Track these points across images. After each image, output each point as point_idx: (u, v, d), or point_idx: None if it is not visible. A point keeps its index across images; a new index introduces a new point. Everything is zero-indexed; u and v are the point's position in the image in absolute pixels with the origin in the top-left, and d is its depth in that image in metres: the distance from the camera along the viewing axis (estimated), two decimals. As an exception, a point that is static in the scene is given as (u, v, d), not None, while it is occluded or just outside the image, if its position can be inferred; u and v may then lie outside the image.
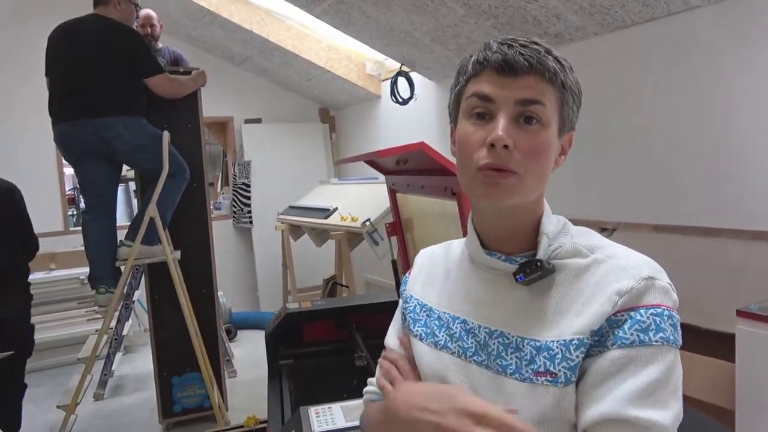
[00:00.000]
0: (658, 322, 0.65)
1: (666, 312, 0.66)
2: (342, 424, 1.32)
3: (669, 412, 0.63)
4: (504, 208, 0.73)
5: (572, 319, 0.69)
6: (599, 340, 0.67)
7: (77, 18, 2.71)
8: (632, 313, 0.66)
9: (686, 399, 0.67)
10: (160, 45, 3.86)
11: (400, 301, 0.94)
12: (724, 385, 2.03)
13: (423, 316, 0.85)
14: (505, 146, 0.68)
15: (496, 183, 0.69)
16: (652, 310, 0.66)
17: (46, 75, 2.76)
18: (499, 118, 0.69)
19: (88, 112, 2.62)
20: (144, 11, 3.65)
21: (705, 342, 2.22)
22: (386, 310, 1.12)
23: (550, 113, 0.70)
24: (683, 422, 0.65)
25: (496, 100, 0.70)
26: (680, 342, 0.67)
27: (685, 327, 0.68)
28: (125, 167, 2.98)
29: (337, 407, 1.40)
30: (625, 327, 0.66)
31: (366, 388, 0.92)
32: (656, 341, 0.65)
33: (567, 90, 0.72)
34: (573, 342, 0.67)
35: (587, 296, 0.69)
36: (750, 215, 2.23)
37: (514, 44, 0.70)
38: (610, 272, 0.69)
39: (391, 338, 0.93)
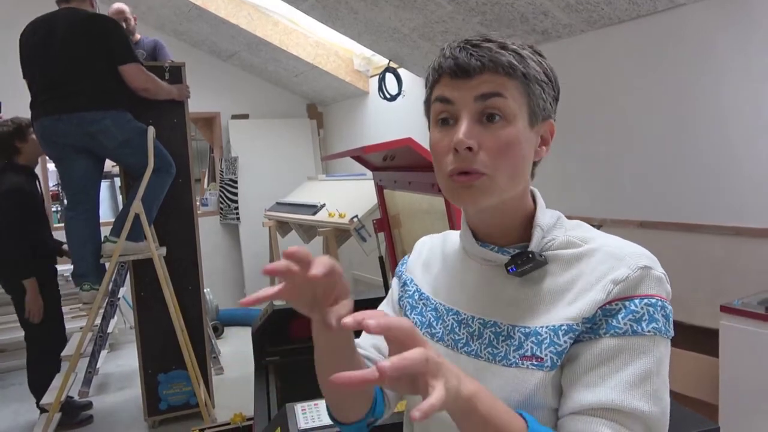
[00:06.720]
0: (651, 313, 0.66)
1: (659, 303, 0.67)
2: (328, 420, 1.31)
3: (661, 404, 0.65)
4: (481, 209, 0.73)
5: (565, 307, 0.69)
6: (591, 327, 0.67)
7: (49, 13, 2.65)
8: (626, 303, 0.66)
9: (670, 394, 0.68)
10: (138, 36, 3.83)
11: (395, 281, 0.94)
12: (708, 380, 2.05)
13: (420, 304, 0.86)
14: (469, 148, 0.68)
15: (466, 186, 0.69)
16: (646, 300, 0.66)
17: (24, 77, 2.71)
18: (461, 121, 0.69)
19: (71, 105, 2.57)
20: (116, 5, 3.61)
21: (688, 337, 2.25)
22: (374, 306, 1.12)
23: (514, 106, 0.69)
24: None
25: (455, 102, 0.70)
26: (672, 333, 0.68)
27: (670, 322, 0.69)
28: (110, 162, 2.94)
29: (323, 404, 1.39)
30: (619, 317, 0.66)
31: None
32: (649, 332, 0.65)
33: (531, 79, 0.70)
34: (562, 327, 0.68)
35: (581, 284, 0.69)
36: (734, 211, 2.25)
37: (466, 46, 0.70)
38: (604, 261, 0.70)
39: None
